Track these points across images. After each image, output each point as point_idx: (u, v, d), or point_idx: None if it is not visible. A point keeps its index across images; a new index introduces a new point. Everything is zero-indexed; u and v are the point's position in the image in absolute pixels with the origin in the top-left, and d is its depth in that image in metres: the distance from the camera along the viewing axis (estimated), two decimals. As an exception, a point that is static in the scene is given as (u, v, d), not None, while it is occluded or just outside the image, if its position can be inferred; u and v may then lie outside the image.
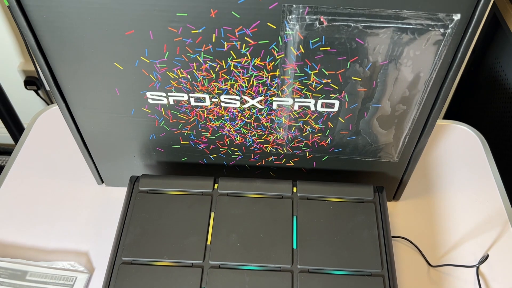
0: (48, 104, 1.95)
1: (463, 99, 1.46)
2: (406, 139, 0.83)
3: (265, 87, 0.74)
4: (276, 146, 0.87)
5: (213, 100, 0.77)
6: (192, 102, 0.78)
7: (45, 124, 1.12)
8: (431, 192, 1.00)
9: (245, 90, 0.75)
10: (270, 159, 0.90)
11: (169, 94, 0.77)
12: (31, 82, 1.85)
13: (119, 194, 0.96)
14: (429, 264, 0.88)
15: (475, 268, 0.87)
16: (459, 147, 1.09)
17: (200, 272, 0.76)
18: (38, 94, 1.88)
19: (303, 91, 0.74)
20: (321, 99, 0.75)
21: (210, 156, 0.91)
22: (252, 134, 0.85)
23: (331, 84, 0.73)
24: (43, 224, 0.94)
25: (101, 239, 0.91)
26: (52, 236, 0.92)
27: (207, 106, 0.79)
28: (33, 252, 0.89)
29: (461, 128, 1.13)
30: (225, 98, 0.77)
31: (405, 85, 0.72)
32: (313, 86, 0.73)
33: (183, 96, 0.77)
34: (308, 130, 0.82)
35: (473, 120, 1.26)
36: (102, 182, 1.00)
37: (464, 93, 1.48)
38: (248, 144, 0.87)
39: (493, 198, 0.99)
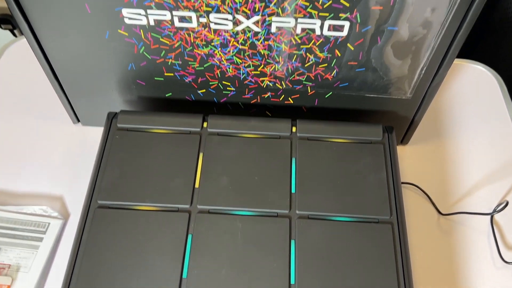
0: (27, 46, 1.80)
1: (478, 37, 1.35)
2: (423, 72, 0.72)
3: (263, 3, 0.62)
4: (274, 80, 0.76)
5: (201, 20, 0.66)
6: (176, 23, 0.66)
7: (14, 58, 1.00)
8: (442, 136, 0.91)
9: (238, 7, 0.63)
10: (267, 95, 0.80)
11: (148, 12, 0.65)
12: (6, 20, 1.70)
13: (97, 134, 0.85)
14: (440, 213, 0.81)
15: (489, 217, 0.80)
16: (474, 88, 0.99)
17: (187, 217, 0.68)
18: (14, 34, 1.73)
19: (308, 9, 0.63)
20: (329, 19, 0.64)
21: (199, 92, 0.80)
22: (246, 65, 0.74)
23: (341, 1, 0.61)
24: (13, 166, 0.84)
25: (77, 183, 0.82)
26: (23, 179, 0.82)
27: (194, 28, 0.67)
28: (1, 196, 0.80)
29: (476, 67, 1.03)
30: (215, 18, 0.65)
31: (429, 2, 0.61)
32: (320, 3, 0.62)
33: (165, 15, 0.65)
34: (312, 60, 0.72)
35: (489, 60, 1.15)
36: (78, 121, 0.90)
37: (479, 31, 1.36)
38: (241, 77, 0.76)
39: (510, 143, 0.90)
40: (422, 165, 0.87)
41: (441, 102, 0.97)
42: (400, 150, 0.89)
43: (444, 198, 0.83)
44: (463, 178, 0.86)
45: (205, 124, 0.76)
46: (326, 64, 0.72)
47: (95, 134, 0.87)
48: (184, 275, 0.63)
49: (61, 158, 0.85)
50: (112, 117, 0.77)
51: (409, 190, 0.84)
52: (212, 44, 0.70)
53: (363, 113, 0.82)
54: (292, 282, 0.63)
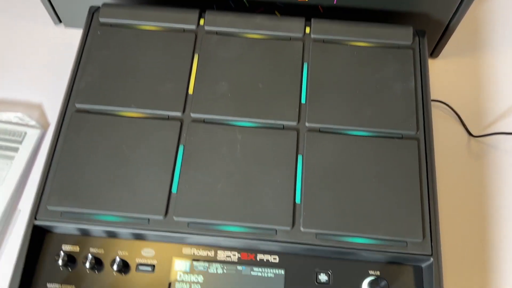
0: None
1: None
2: (468, -41, 0.59)
3: None
4: (285, -30, 0.64)
5: None
6: None
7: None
8: (479, 50, 0.79)
9: None
10: (277, -10, 0.67)
11: None
12: None
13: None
14: (470, 134, 0.70)
15: (528, 141, 0.70)
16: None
17: (178, 126, 0.58)
18: None
19: None
20: None
21: (196, -16, 0.68)
22: None
23: None
24: (-13, 70, 0.74)
25: (58, 90, 0.72)
26: (-2, 85, 0.73)
27: None
28: (-27, 103, 0.71)
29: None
30: None
31: None
32: None
33: None
34: None
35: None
36: (60, 21, 0.78)
37: None
38: (247, -34, 0.64)
39: (557, 60, 0.78)
40: (453, 82, 0.76)
41: (482, 10, 0.83)
42: (430, 63, 0.77)
43: (476, 119, 0.72)
44: (499, 99, 0.74)
45: (201, 21, 0.65)
46: None
47: (79, 36, 0.76)
48: (174, 190, 0.55)
49: (41, 63, 0.75)
50: (94, 11, 0.66)
51: (438, 109, 0.73)
52: None
53: (389, 15, 0.69)
54: (298, 201, 0.55)
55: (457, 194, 0.66)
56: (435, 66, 0.77)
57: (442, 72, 0.76)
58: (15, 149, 0.66)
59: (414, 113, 0.59)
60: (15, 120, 0.68)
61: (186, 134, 0.58)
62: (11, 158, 0.65)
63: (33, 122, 0.68)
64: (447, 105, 0.72)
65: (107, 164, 0.56)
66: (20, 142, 0.67)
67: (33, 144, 0.66)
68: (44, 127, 0.69)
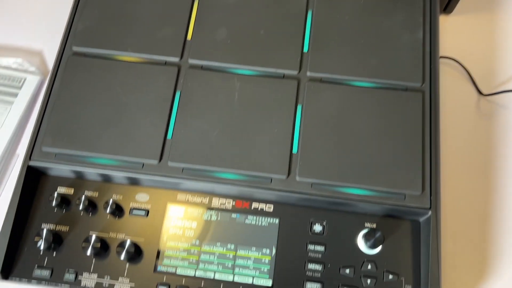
0: None
1: None
2: None
3: None
4: None
5: None
6: None
7: None
8: (494, 8, 0.75)
9: None
10: None
11: None
12: None
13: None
14: (480, 93, 0.68)
15: (540, 101, 0.67)
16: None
17: (175, 72, 0.57)
18: None
19: None
20: None
21: None
22: None
23: None
24: (-12, 16, 0.73)
25: (59, 37, 0.71)
26: (-2, 30, 0.72)
27: None
28: (-26, 48, 0.71)
29: None
30: None
31: None
32: None
33: None
34: None
35: None
36: (62, -33, 0.77)
37: None
38: None
39: None
40: (466, 39, 0.72)
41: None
42: (443, 19, 0.73)
43: (487, 78, 0.69)
44: (514, 58, 0.71)
45: (204, -34, 0.63)
46: None
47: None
48: (169, 136, 0.54)
49: (43, 8, 0.73)
50: (93, -46, 0.64)
51: (448, 66, 0.70)
52: None
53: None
54: (294, 151, 0.53)
55: (464, 152, 0.64)
56: (448, 23, 0.73)
57: (455, 29, 0.73)
58: (14, 95, 0.65)
59: (420, 65, 0.57)
60: (14, 66, 0.68)
61: (183, 80, 0.57)
62: (10, 103, 0.65)
63: (33, 68, 0.67)
64: (458, 62, 0.69)
65: (103, 107, 0.55)
66: (19, 88, 0.66)
67: (32, 90, 0.66)
68: (44, 74, 0.68)
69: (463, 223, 0.60)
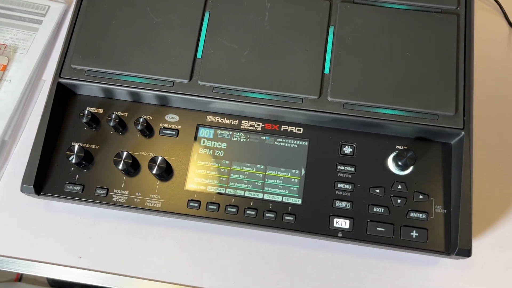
0: None
1: None
2: None
3: None
4: None
5: None
6: None
7: None
8: None
9: None
10: None
11: None
12: None
13: None
14: (511, 25, 0.66)
15: None
16: None
17: (204, -8, 0.56)
18: None
19: None
20: None
21: None
22: None
23: None
24: None
25: (81, -34, 0.70)
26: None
27: None
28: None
29: None
30: None
31: None
32: None
33: None
34: None
35: None
36: None
37: None
38: None
39: None
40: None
41: None
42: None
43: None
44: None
45: None
46: None
47: None
48: (199, 55, 0.53)
49: None
50: None
51: (479, 1, 0.68)
52: None
53: None
54: (326, 71, 0.53)
55: (494, 83, 0.63)
56: (480, -45, 0.71)
57: (487, -38, 0.71)
58: (39, 22, 0.65)
59: (455, -13, 0.55)
60: (38, -7, 0.67)
61: (212, 0, 0.56)
62: (35, 30, 0.64)
63: (56, -4, 0.67)
64: (490, -6, 0.67)
65: (132, 26, 0.54)
66: (44, 15, 0.65)
67: (57, 18, 0.65)
68: (67, 2, 0.67)
69: (492, 151, 0.59)
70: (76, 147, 0.50)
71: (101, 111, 0.54)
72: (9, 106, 0.60)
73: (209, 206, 0.51)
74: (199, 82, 0.52)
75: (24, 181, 0.51)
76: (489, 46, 0.65)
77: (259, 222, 0.50)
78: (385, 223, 0.50)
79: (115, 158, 0.50)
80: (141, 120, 0.52)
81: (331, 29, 0.54)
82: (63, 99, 0.54)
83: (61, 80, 0.53)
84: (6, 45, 0.63)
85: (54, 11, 0.66)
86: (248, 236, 0.54)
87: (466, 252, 0.48)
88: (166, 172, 0.51)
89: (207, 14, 0.55)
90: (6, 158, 0.58)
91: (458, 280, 0.53)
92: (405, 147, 0.52)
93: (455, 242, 0.48)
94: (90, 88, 0.53)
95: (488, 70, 0.64)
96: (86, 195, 0.52)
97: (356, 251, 0.53)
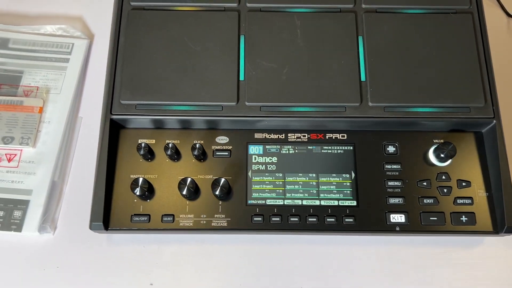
0: None
1: None
2: None
3: None
4: None
5: None
6: None
7: None
8: None
9: None
10: None
11: None
12: None
13: None
14: (509, 15, 0.72)
15: None
16: None
17: (236, 17, 0.58)
18: None
19: None
20: None
21: None
22: None
23: None
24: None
25: (97, 0, 0.71)
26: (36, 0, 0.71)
27: None
28: (13, 18, 0.70)
29: None
30: None
31: None
32: None
33: None
34: None
35: None
36: None
37: None
38: None
39: None
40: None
41: None
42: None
43: (512, 2, 0.74)
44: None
45: None
46: None
47: None
48: (241, 77, 0.56)
49: (73, -25, 0.73)
50: None
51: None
52: None
53: None
54: (363, 79, 0.56)
55: (499, 69, 0.68)
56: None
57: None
58: (66, 60, 0.66)
59: (465, -12, 0.60)
60: (59, 32, 0.68)
61: (245, 24, 0.58)
62: (64, 68, 0.65)
63: (78, 33, 0.67)
64: (485, -12, 0.73)
65: (173, 57, 0.56)
66: (69, 53, 0.66)
67: (83, 54, 0.66)
68: (89, 37, 0.68)
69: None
70: (141, 179, 0.52)
71: (153, 141, 0.56)
72: (53, 147, 0.61)
73: (273, 218, 0.54)
74: (246, 103, 0.55)
75: (93, 219, 0.52)
76: (491, 37, 0.70)
77: (322, 227, 0.54)
78: (436, 212, 0.54)
79: (180, 185, 0.52)
80: (197, 145, 0.54)
81: (360, 38, 0.58)
82: (114, 134, 0.56)
83: (113, 117, 0.54)
84: (38, 87, 0.64)
85: (79, 48, 0.67)
86: (309, 242, 0.57)
87: (513, 229, 0.53)
88: (227, 192, 0.54)
89: (242, 38, 0.58)
90: (59, 198, 0.59)
91: (505, 255, 0.57)
92: (442, 140, 0.57)
93: (502, 221, 0.53)
94: (141, 121, 0.55)
95: (495, 59, 0.69)
96: (153, 224, 0.53)
97: (407, 242, 0.57)
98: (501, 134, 0.55)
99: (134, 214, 0.54)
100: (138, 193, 0.52)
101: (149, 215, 0.54)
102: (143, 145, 0.54)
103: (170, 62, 0.56)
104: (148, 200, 0.54)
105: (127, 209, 0.54)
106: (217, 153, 0.56)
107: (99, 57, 0.67)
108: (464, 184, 0.55)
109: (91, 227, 0.52)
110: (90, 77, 0.66)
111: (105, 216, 0.53)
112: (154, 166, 0.55)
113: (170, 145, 0.54)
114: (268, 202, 0.55)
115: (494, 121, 0.55)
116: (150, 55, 0.56)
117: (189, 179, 0.52)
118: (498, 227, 0.54)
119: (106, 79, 0.56)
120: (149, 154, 0.55)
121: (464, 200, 0.55)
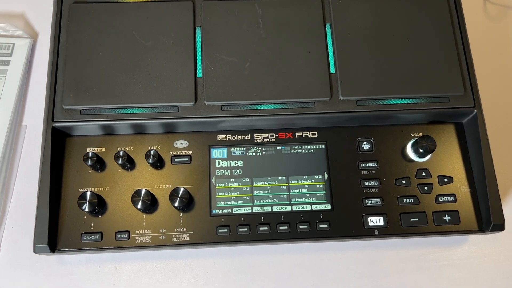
0: None
1: None
2: None
3: None
4: None
5: None
6: None
7: None
8: None
9: None
10: None
11: None
12: None
13: None
14: (485, -3, 0.68)
15: (543, -3, 0.68)
16: None
17: (191, 7, 0.53)
18: None
19: None
20: None
21: None
22: None
23: None
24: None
25: (39, -5, 0.65)
26: (-32, -3, 0.64)
27: None
28: None
29: None
30: None
31: None
32: None
33: None
34: None
35: None
36: None
37: None
38: None
39: None
40: None
41: None
42: None
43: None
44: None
45: None
46: None
47: None
48: (199, 74, 0.51)
49: (12, -32, 0.66)
50: None
51: (449, -25, 0.69)
52: None
53: None
54: (332, 70, 0.52)
55: (478, 56, 0.64)
56: None
57: None
58: (6, 62, 0.59)
59: (439, -32, 0.56)
60: (-2, 31, 0.61)
61: (200, 14, 0.53)
62: (4, 72, 0.58)
63: (19, 32, 0.61)
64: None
65: (121, 54, 0.50)
66: (10, 55, 0.60)
67: (25, 55, 0.59)
68: (33, 36, 0.62)
69: (501, 125, 0.60)
70: (88, 193, 0.47)
71: (103, 149, 0.50)
72: (-6, 159, 0.54)
73: (240, 229, 0.49)
74: (206, 103, 0.50)
75: (37, 241, 0.46)
76: (468, 22, 0.66)
77: (294, 235, 0.49)
78: (417, 212, 0.50)
79: (133, 198, 0.47)
80: (152, 152, 0.48)
81: (328, 26, 0.53)
82: (58, 144, 0.50)
83: (56, 125, 0.48)
84: (-26, 93, 0.57)
85: (20, 48, 0.60)
86: (282, 252, 0.53)
87: (500, 226, 0.49)
88: (188, 203, 0.49)
89: (198, 30, 0.52)
90: (3, 216, 0.53)
91: (491, 254, 0.54)
92: (420, 134, 0.52)
93: (488, 219, 0.49)
94: (88, 128, 0.49)
95: (473, 44, 0.65)
96: (106, 242, 0.48)
97: (386, 245, 0.53)
98: (482, 124, 0.51)
99: (85, 233, 0.48)
100: (87, 209, 0.46)
101: (101, 232, 0.48)
102: (90, 154, 0.48)
103: (118, 60, 0.50)
104: (100, 216, 0.49)
105: (76, 227, 0.48)
106: (176, 159, 0.50)
107: (44, 58, 0.60)
108: (445, 180, 0.51)
109: (35, 250, 0.46)
110: (34, 81, 0.60)
111: (52, 236, 0.47)
112: (105, 178, 0.50)
113: (121, 153, 0.48)
114: (235, 210, 0.50)
115: (475, 110, 0.51)
116: (96, 54, 0.50)
117: (143, 191, 0.47)
118: (484, 225, 0.50)
119: (47, 83, 0.50)
120: (99, 164, 0.49)
121: (446, 197, 0.51)
